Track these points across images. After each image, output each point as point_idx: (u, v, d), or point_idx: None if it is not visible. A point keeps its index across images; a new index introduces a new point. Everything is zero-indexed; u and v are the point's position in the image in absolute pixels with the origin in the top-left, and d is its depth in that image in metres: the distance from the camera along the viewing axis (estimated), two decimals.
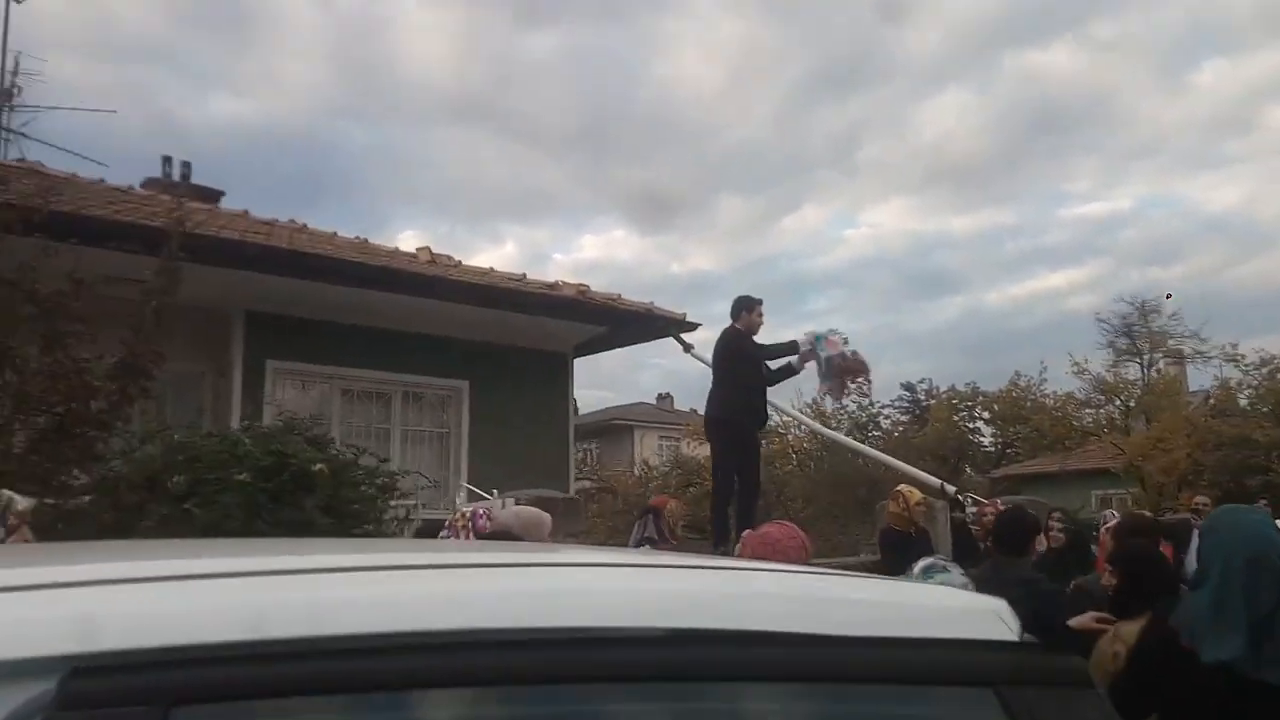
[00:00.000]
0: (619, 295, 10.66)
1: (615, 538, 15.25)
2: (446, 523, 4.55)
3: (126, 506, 3.78)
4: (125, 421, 4.66)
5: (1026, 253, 52.75)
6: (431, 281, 9.04)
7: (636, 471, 26.38)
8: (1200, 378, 25.43)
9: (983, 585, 3.56)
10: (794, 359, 7.53)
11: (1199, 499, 10.28)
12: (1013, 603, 4.06)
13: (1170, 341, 25.09)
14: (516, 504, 4.95)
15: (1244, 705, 2.58)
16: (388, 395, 9.44)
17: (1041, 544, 5.79)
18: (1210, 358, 24.17)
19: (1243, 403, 21.83)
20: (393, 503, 4.76)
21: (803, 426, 19.07)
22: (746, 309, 7.33)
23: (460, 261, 10.91)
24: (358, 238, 10.84)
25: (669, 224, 70.35)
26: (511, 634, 1.07)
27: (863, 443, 25.15)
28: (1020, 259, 52.42)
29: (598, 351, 12.17)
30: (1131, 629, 3.18)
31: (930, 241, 58.81)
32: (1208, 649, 2.61)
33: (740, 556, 3.80)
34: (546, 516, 4.07)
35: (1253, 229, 48.33)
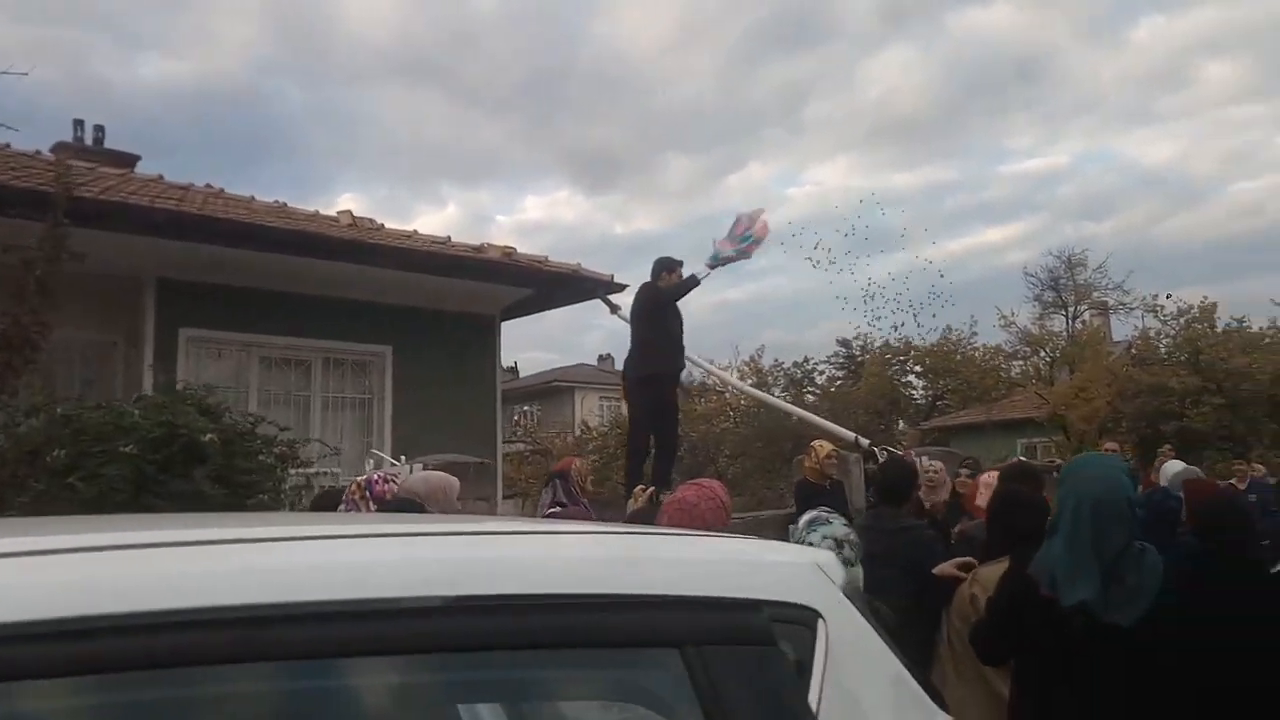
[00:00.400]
0: (546, 257, 10.60)
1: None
2: (345, 492, 4.51)
3: (3, 482, 3.68)
4: (12, 395, 4.52)
5: (966, 209, 53.60)
6: (350, 246, 8.88)
7: (577, 432, 26.46)
8: (1123, 328, 26.26)
9: (864, 534, 3.67)
10: (697, 272, 7.59)
11: (1108, 445, 10.67)
12: (893, 550, 4.18)
13: (1095, 294, 25.81)
14: (424, 469, 4.92)
15: (1096, 648, 2.70)
16: (307, 362, 9.30)
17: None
18: (1133, 309, 24.96)
19: (1161, 352, 22.54)
20: (294, 471, 4.70)
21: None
22: (667, 269, 7.36)
23: (383, 225, 10.74)
24: (276, 202, 10.61)
25: (613, 184, 69.98)
26: (267, 610, 1.07)
27: (800, 398, 25.52)
28: (960, 215, 53.25)
29: (527, 314, 12.11)
30: (989, 572, 3.30)
31: (872, 199, 59.32)
32: (1064, 592, 2.71)
33: (660, 524, 3.86)
34: (455, 481, 4.07)
35: (1185, 184, 49.70)
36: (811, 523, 3.09)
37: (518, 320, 11.78)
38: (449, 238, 10.52)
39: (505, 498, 14.25)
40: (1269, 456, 16.52)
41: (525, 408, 33.36)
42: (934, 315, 27.10)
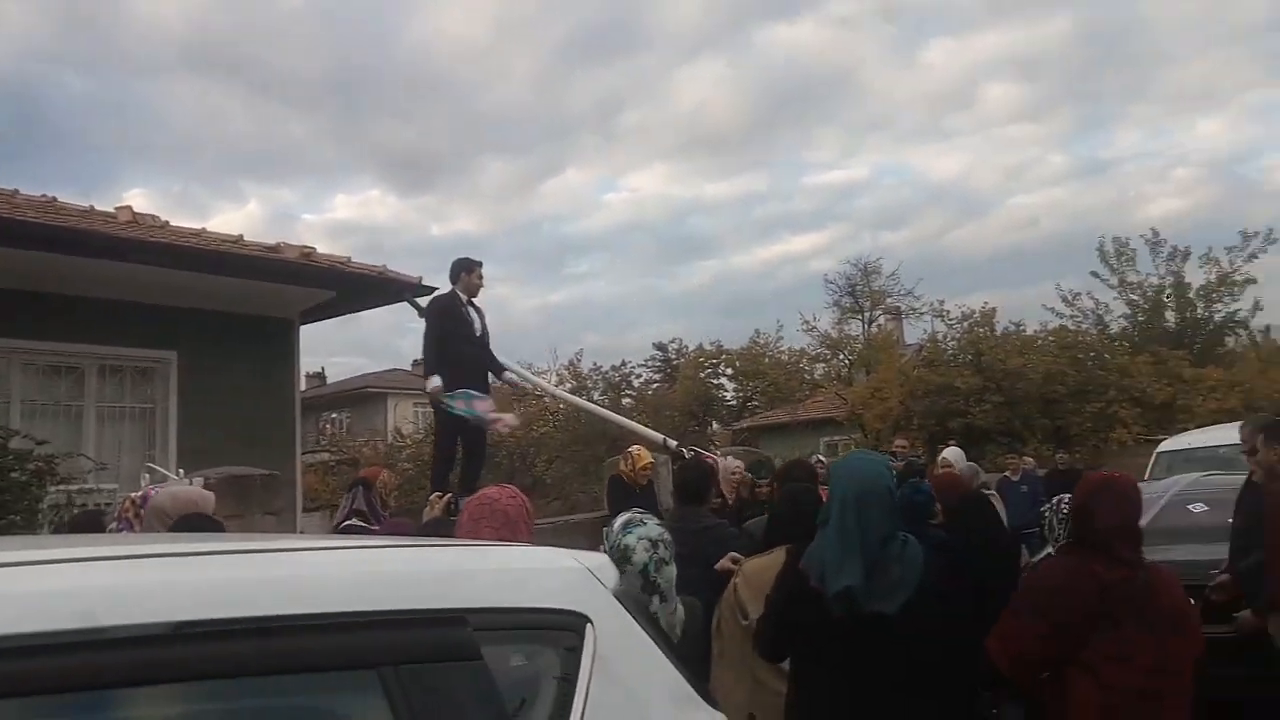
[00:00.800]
0: (348, 258, 10.18)
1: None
2: (116, 510, 4.14)
3: None
4: None
5: (775, 218, 56.02)
6: (127, 244, 8.19)
7: (389, 440, 25.63)
8: (914, 332, 28.14)
9: (671, 535, 3.74)
10: (430, 386, 7.12)
11: (899, 442, 11.34)
12: (697, 549, 4.22)
13: (888, 300, 27.54)
14: (191, 484, 4.57)
15: (863, 636, 2.83)
16: (80, 369, 8.51)
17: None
18: (922, 314, 26.79)
19: (947, 354, 24.24)
20: (54, 489, 4.26)
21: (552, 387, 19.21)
22: (466, 270, 7.19)
23: (168, 222, 10.01)
24: (45, 196, 9.67)
25: (429, 184, 68.47)
26: None
27: (618, 401, 25.80)
28: (769, 224, 55.60)
29: (330, 317, 11.61)
30: (752, 564, 3.45)
31: (687, 207, 60.97)
32: (831, 581, 2.83)
33: (461, 523, 3.77)
34: (208, 497, 3.78)
35: (970, 197, 53.92)
36: (627, 524, 3.07)
37: (326, 324, 11.28)
38: (241, 236, 9.93)
39: (307, 511, 13.62)
40: (1042, 450, 18.10)
41: (334, 415, 32.06)
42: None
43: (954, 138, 56.59)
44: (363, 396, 33.57)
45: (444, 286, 7.80)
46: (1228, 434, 12.09)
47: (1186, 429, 16.61)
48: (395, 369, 39.14)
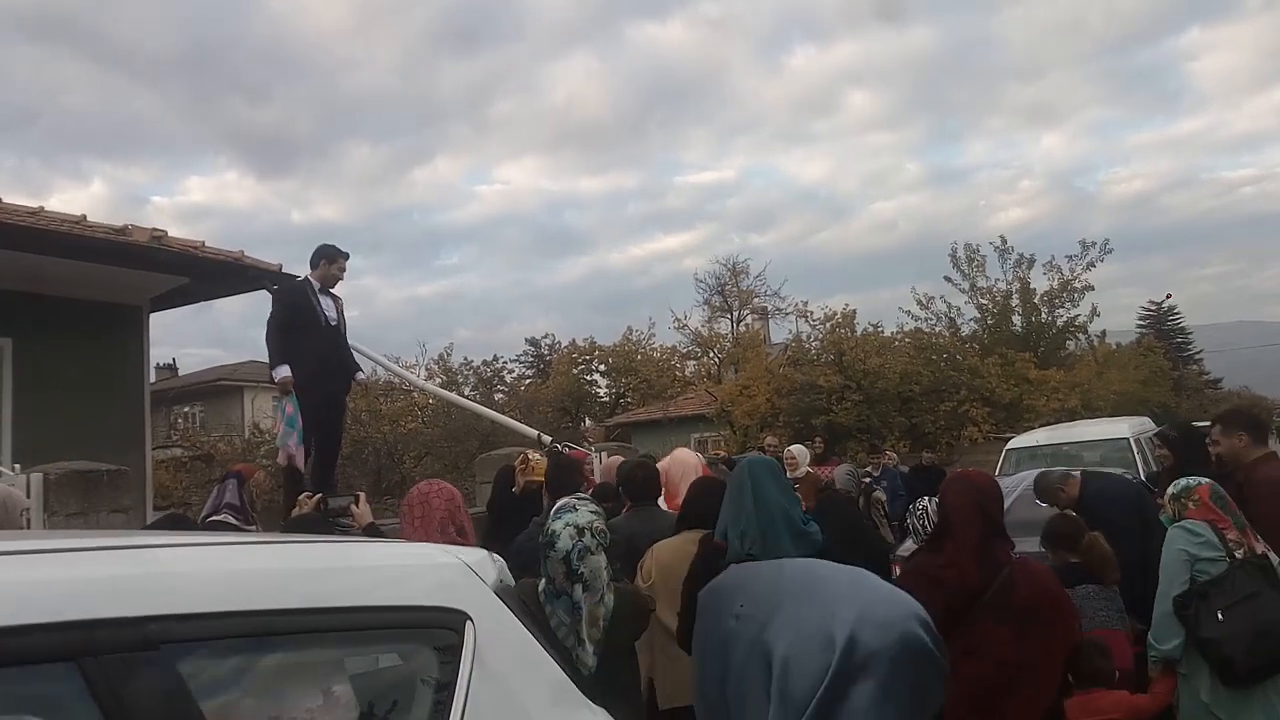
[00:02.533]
0: (202, 243, 9.66)
1: None
2: None
3: None
4: None
5: (647, 216, 56.66)
6: None
7: (247, 435, 24.52)
8: (780, 331, 28.90)
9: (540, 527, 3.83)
10: (279, 376, 6.69)
11: (769, 439, 11.62)
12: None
13: (756, 299, 28.20)
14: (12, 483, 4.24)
15: None
16: None
17: None
18: (788, 314, 27.52)
19: (811, 354, 24.98)
20: None
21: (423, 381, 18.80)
22: (328, 258, 6.82)
23: (0, 199, 9.27)
24: None
25: (290, 168, 66.35)
26: None
27: (490, 396, 25.48)
28: (641, 222, 56.12)
29: (183, 305, 11.02)
30: (662, 545, 3.82)
31: (560, 201, 60.82)
32: (733, 548, 3.06)
33: (402, 516, 4.06)
34: (16, 496, 3.54)
35: (834, 201, 55.99)
36: (559, 509, 3.03)
37: (178, 313, 10.68)
38: (84, 217, 9.28)
39: (159, 509, 12.88)
40: (899, 447, 18.88)
41: (187, 409, 30.47)
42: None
43: (818, 143, 58.88)
44: (218, 389, 31.99)
45: (300, 274, 7.44)
46: (1069, 432, 13.02)
47: (1031, 427, 17.68)
48: (253, 361, 37.52)
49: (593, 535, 2.79)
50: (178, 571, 1.35)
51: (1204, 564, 3.66)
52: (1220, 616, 3.54)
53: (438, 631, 1.52)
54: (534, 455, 6.80)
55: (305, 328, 6.70)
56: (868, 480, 11.28)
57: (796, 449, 9.15)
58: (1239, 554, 3.67)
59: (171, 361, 34.04)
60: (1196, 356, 63.27)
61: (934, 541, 3.42)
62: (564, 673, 1.73)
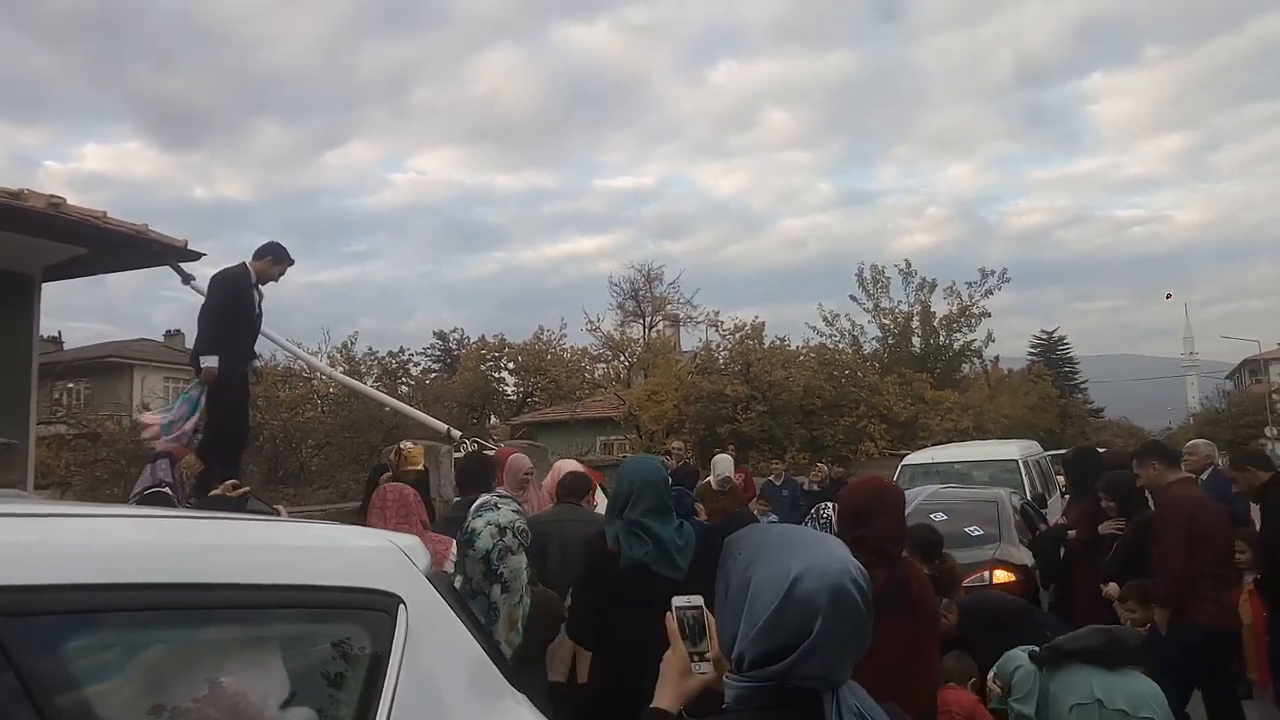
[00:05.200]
0: (104, 213, 9.25)
1: (99, 489, 13.33)
2: None
3: None
4: None
5: (563, 216, 56.50)
6: None
7: (136, 415, 23.52)
8: (691, 340, 29.22)
9: (446, 523, 3.82)
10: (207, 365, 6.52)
11: (675, 444, 11.77)
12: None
13: (668, 307, 28.46)
14: None
15: (652, 593, 3.10)
16: None
17: None
18: (699, 323, 27.87)
19: (720, 363, 25.37)
20: None
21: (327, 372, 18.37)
22: (275, 257, 6.82)
23: None
24: None
25: (196, 142, 63.91)
26: None
27: (394, 388, 25.03)
28: (557, 222, 55.95)
29: (79, 276, 10.51)
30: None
31: (475, 195, 60.16)
32: (624, 552, 3.38)
33: (373, 514, 4.05)
34: None
35: (747, 215, 56.80)
36: (480, 506, 3.02)
37: (66, 286, 10.18)
38: None
39: (39, 487, 12.28)
40: (799, 459, 19.31)
41: (71, 384, 29.05)
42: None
43: (735, 157, 59.76)
44: (106, 366, 30.58)
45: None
46: (961, 451, 13.56)
47: (926, 445, 18.33)
48: (144, 339, 36.01)
49: (514, 535, 2.77)
50: (117, 542, 1.34)
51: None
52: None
53: (371, 614, 1.54)
54: (408, 445, 6.71)
55: (239, 319, 6.64)
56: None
57: (720, 459, 9.40)
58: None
59: (57, 334, 32.43)
60: (1082, 386, 66.50)
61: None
62: (491, 660, 1.77)
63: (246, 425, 7.26)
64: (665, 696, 1.53)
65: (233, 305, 6.67)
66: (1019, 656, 3.89)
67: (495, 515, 2.79)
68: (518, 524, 2.80)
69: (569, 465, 5.88)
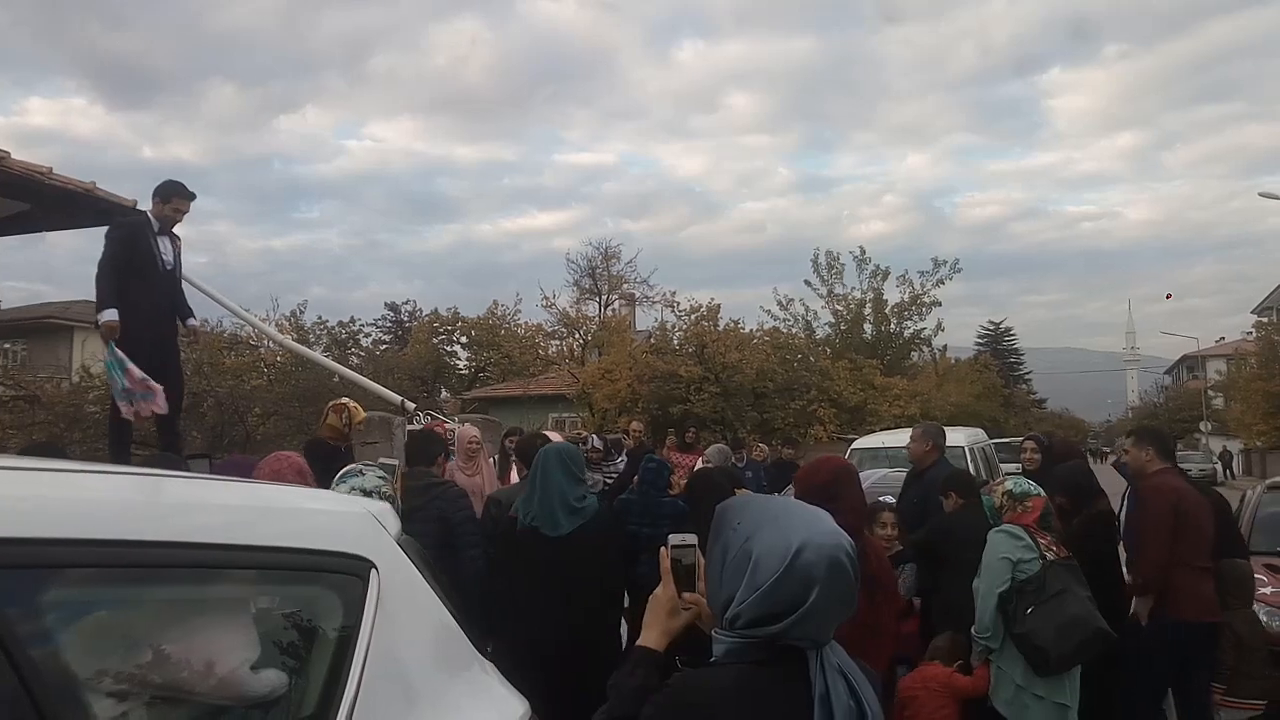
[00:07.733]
0: (50, 169, 8.99)
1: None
2: None
3: None
4: None
5: (522, 191, 56.07)
6: None
7: (75, 379, 22.92)
8: (646, 319, 29.25)
9: (406, 490, 3.86)
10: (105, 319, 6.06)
11: (634, 424, 11.78)
12: (426, 504, 4.27)
13: (625, 286, 28.43)
14: None
15: (547, 554, 4.05)
16: None
17: None
18: (655, 303, 27.90)
19: (674, 344, 25.44)
20: None
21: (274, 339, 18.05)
22: (162, 196, 6.34)
23: None
24: None
25: (146, 101, 62.25)
26: None
27: (344, 358, 24.72)
28: (515, 196, 55.50)
29: (21, 233, 10.22)
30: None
31: (433, 166, 59.34)
32: (522, 517, 4.09)
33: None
34: None
35: (707, 197, 56.92)
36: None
37: (7, 241, 9.88)
38: None
39: None
40: (750, 440, 19.48)
41: (8, 345, 28.25)
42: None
43: (697, 138, 59.89)
44: (44, 327, 29.71)
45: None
46: (908, 436, 13.80)
47: (874, 430, 18.62)
48: (86, 300, 35.05)
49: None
50: (84, 498, 1.31)
51: (1023, 565, 4.05)
52: (1029, 612, 3.94)
53: (344, 577, 1.53)
54: (351, 403, 6.43)
55: (141, 270, 6.19)
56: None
57: (713, 450, 9.36)
58: (1049, 556, 4.09)
59: None
60: (1026, 377, 67.98)
61: None
62: (457, 624, 1.77)
63: (178, 386, 6.79)
64: (652, 635, 1.56)
65: (126, 254, 6.25)
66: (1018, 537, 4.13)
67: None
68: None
69: (554, 437, 5.96)
